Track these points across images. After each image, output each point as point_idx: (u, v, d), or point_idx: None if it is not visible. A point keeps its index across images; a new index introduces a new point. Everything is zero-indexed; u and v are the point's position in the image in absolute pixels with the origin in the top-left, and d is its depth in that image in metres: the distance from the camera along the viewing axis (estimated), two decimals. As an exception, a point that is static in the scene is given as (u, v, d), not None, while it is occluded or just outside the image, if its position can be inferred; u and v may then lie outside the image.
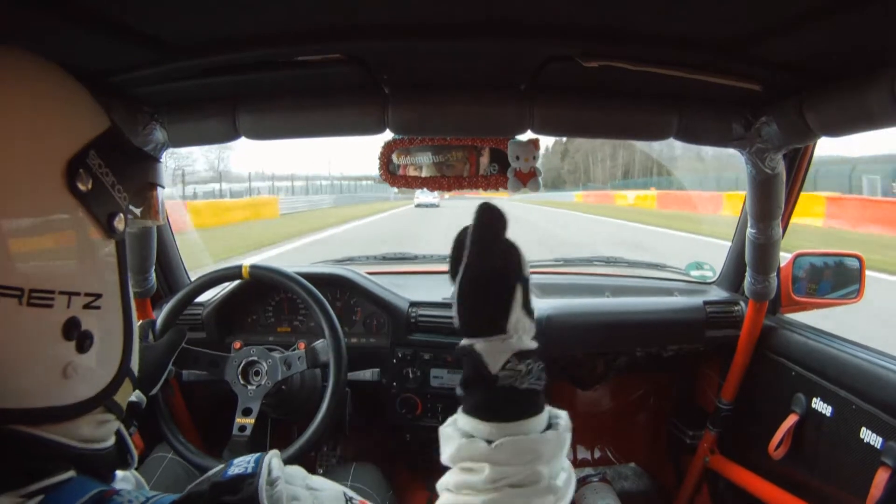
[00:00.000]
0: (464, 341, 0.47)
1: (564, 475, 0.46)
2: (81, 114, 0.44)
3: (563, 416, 0.49)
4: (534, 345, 0.47)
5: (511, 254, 0.47)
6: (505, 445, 0.44)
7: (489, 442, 0.44)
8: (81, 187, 0.41)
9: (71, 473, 0.41)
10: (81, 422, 0.43)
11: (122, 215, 0.45)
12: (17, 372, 0.38)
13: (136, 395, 0.80)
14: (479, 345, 0.45)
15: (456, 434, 0.46)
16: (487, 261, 0.46)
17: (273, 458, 0.44)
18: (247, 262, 1.14)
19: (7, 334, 0.38)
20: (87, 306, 0.42)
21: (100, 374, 0.44)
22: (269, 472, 0.42)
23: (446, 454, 0.47)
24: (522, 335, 0.46)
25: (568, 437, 0.47)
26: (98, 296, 0.43)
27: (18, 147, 0.38)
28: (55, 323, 0.40)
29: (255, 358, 1.09)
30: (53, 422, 0.41)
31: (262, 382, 1.07)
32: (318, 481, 0.47)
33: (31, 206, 0.38)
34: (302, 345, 1.11)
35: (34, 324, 0.39)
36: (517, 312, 0.46)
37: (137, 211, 0.52)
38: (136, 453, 0.52)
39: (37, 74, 0.42)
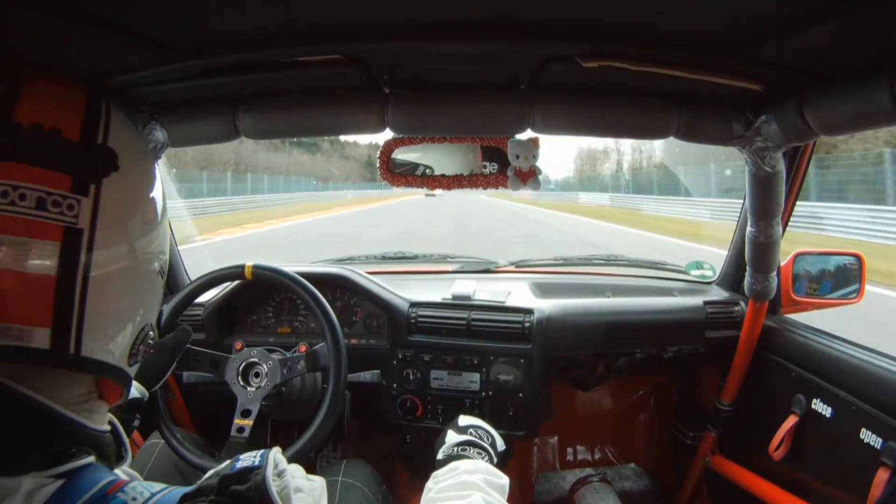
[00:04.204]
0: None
1: None
2: None
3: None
4: None
5: None
6: None
7: None
8: None
9: (91, 459, 0.43)
10: (101, 402, 0.48)
11: None
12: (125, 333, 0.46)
13: (138, 391, 0.81)
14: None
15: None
16: None
17: (277, 452, 0.47)
18: (249, 261, 1.14)
19: (151, 302, 0.49)
20: None
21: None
22: (276, 465, 0.45)
23: None
24: None
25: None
26: None
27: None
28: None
29: (256, 359, 1.08)
30: (122, 384, 0.49)
31: (262, 384, 1.07)
32: (315, 477, 0.52)
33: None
34: (303, 347, 1.10)
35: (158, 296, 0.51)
36: None
37: None
38: (129, 445, 0.55)
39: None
